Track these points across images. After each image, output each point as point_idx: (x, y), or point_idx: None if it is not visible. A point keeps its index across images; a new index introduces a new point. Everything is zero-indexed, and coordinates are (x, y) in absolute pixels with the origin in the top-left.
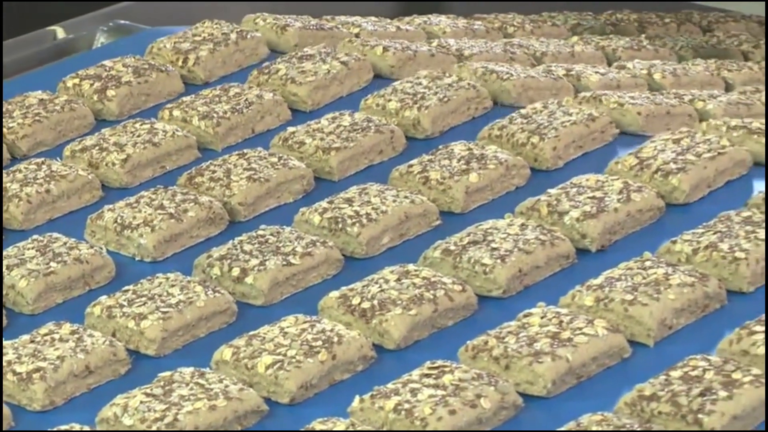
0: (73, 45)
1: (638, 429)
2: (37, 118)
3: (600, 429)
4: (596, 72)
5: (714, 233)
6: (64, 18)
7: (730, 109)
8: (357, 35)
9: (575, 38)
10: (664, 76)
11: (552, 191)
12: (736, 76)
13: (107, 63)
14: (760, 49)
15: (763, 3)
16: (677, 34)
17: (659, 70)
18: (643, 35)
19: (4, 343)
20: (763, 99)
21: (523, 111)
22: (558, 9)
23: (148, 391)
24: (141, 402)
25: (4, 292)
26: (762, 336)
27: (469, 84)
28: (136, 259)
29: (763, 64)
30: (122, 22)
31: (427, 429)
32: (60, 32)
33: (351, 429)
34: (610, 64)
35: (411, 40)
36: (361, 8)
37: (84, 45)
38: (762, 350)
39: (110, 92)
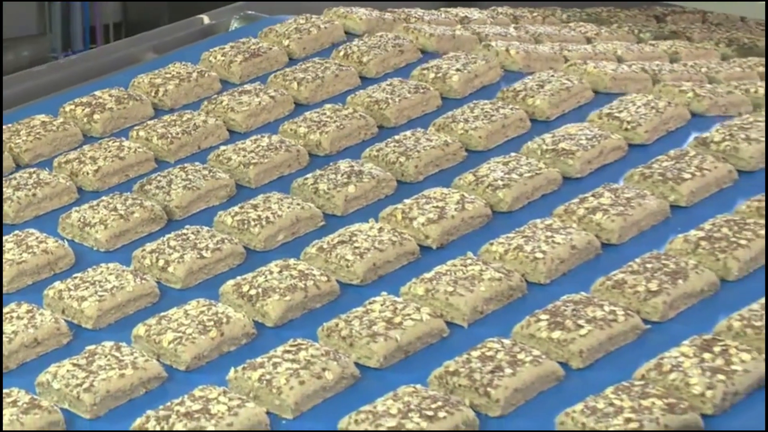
0: (214, 28)
1: (439, 399)
2: (37, 135)
3: (410, 399)
4: (457, 70)
5: (522, 237)
6: (211, 8)
7: (554, 99)
8: (290, 56)
9: (459, 26)
10: (518, 52)
11: (407, 201)
12: (575, 54)
13: (97, 93)
14: (600, 35)
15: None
16: (542, 25)
17: (515, 48)
18: (512, 25)
19: None
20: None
21: (396, 137)
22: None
23: (75, 361)
24: (68, 370)
25: None
26: (545, 323)
27: (360, 115)
28: (94, 249)
29: (600, 47)
30: (250, 12)
31: (281, 396)
32: (206, 19)
33: (222, 395)
34: None
35: (331, 36)
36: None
37: (222, 28)
38: (544, 334)
39: (96, 116)
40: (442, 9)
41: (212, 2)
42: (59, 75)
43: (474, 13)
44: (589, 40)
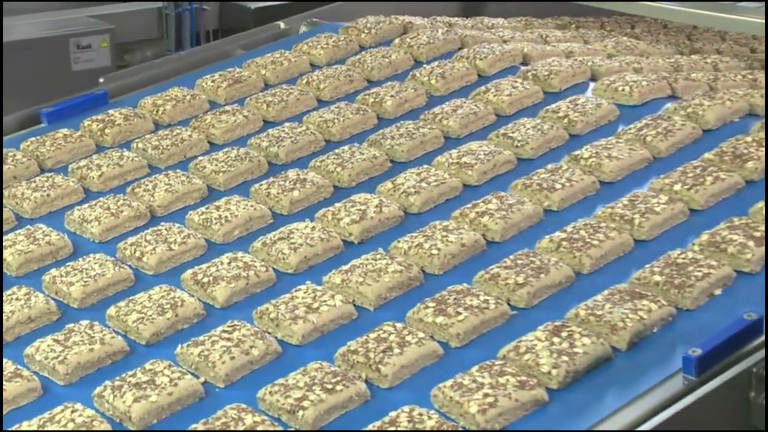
0: (288, 32)
1: (339, 374)
2: (58, 146)
3: (315, 374)
4: (391, 96)
5: (423, 236)
6: (286, 16)
7: (463, 121)
8: (266, 83)
9: (397, 38)
10: (437, 80)
11: (337, 204)
12: (488, 53)
13: (110, 111)
14: (514, 38)
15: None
16: (470, 30)
17: (435, 75)
18: (444, 28)
19: None
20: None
21: (337, 150)
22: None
23: (55, 337)
24: (48, 345)
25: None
26: (432, 309)
27: (312, 132)
28: (90, 241)
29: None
30: (315, 19)
31: (215, 369)
32: (282, 25)
33: (167, 368)
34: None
35: (299, 68)
36: (429, 7)
37: (294, 32)
38: (430, 318)
39: (107, 130)
40: (434, 17)
41: (290, 9)
42: (172, 66)
43: (417, 20)
44: (505, 42)
